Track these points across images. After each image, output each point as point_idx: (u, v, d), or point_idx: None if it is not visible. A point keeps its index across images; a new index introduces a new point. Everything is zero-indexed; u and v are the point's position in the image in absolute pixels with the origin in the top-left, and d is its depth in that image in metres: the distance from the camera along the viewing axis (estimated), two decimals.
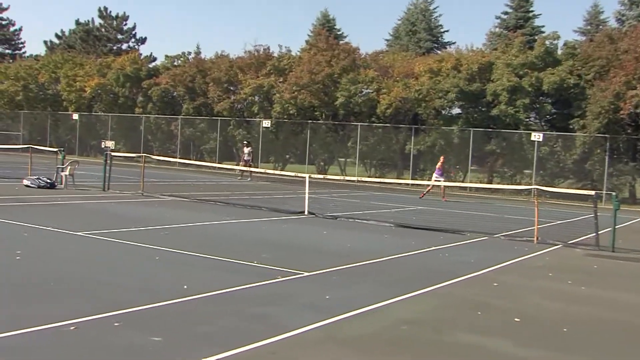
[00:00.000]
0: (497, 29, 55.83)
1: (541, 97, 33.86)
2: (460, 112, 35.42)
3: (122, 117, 45.81)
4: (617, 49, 31.21)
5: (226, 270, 9.28)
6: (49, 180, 20.08)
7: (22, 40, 75.04)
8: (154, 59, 60.78)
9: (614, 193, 14.81)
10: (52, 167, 22.47)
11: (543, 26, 54.05)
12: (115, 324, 6.22)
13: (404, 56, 43.38)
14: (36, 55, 64.77)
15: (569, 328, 7.24)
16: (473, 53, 36.45)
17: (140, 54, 55.14)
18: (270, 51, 42.03)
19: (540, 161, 32.13)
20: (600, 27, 49.90)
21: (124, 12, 72.20)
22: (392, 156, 37.44)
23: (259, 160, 39.14)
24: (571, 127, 31.77)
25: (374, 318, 7.18)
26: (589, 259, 12.57)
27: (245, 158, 32.01)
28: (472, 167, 35.61)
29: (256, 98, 40.54)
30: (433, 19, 64.55)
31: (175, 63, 46.87)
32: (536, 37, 41.65)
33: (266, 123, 38.59)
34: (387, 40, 67.53)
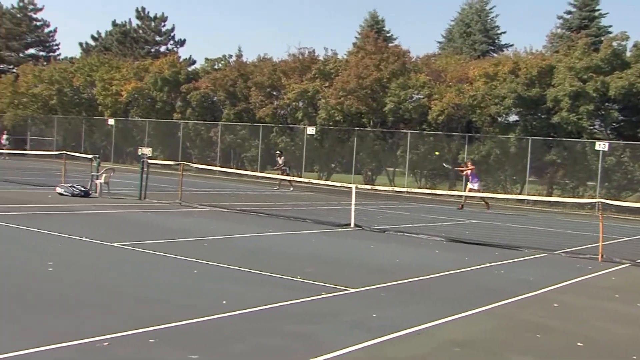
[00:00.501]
0: (559, 30, 55.26)
1: (607, 104, 33.24)
2: (517, 119, 35.01)
3: (159, 123, 46.38)
4: None
5: (267, 285, 9.31)
6: (83, 188, 20.43)
7: (56, 42, 76.70)
8: (194, 62, 61.64)
9: None
10: (87, 175, 22.87)
11: (610, 26, 53.44)
12: (151, 341, 6.28)
13: (458, 59, 43.15)
14: (71, 58, 66.12)
15: None
16: (532, 56, 36.03)
17: (179, 57, 55.85)
18: (315, 54, 42.18)
19: (606, 172, 31.56)
20: None
21: (163, 13, 73.30)
22: (444, 166, 37.24)
23: (302, 169, 39.26)
24: None
25: (424, 339, 7.12)
26: None
27: (282, 167, 32.03)
28: (530, 179, 35.16)
29: (300, 104, 40.67)
30: (489, 20, 64.16)
31: (216, 66, 47.36)
32: (602, 38, 41.07)
33: (311, 130, 38.69)
34: (439, 42, 67.41)
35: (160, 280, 9.32)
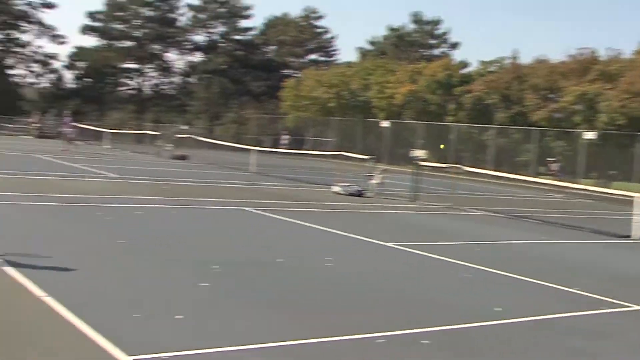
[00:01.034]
0: None
1: None
2: None
3: (431, 126, 46.75)
4: None
5: (542, 295, 8.97)
6: (358, 188, 21.15)
7: (336, 48, 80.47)
8: (466, 65, 61.37)
9: None
10: (361, 175, 23.65)
11: None
12: (423, 342, 6.31)
13: None
14: (349, 62, 68.97)
15: None
16: None
17: (453, 60, 55.92)
18: (597, 54, 40.03)
19: None
20: None
21: (438, 17, 73.86)
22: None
23: (579, 175, 37.41)
24: None
25: None
26: None
27: (556, 173, 30.78)
28: None
29: (578, 107, 38.80)
30: None
31: (490, 69, 46.75)
32: None
33: (590, 134, 36.72)
34: None
35: (433, 282, 9.36)
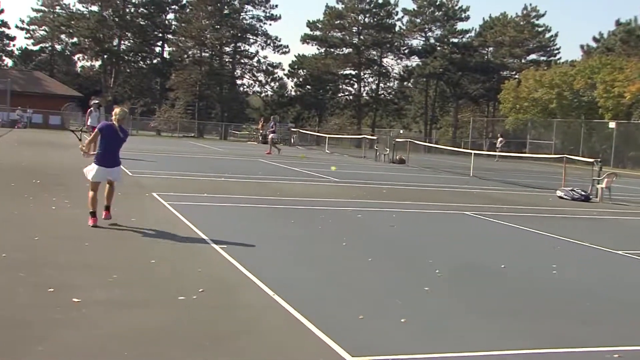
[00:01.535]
0: None
1: None
2: None
3: None
4: None
5: None
6: (583, 193, 20.22)
7: (557, 46, 77.55)
8: None
9: None
10: (586, 179, 22.59)
11: None
12: None
13: None
14: (571, 61, 66.22)
15: None
16: None
17: None
18: None
19: None
20: None
21: None
22: None
23: None
24: None
25: None
26: None
27: None
28: None
29: None
30: None
31: None
32: None
33: None
34: None
35: None
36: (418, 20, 79.01)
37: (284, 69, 79.19)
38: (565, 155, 25.32)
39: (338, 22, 77.70)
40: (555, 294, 8.12)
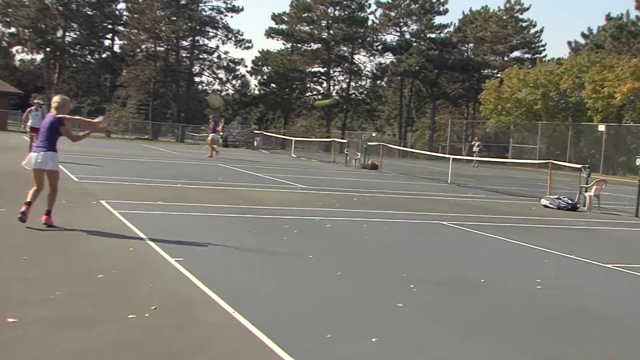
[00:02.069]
0: None
1: None
2: None
3: None
4: None
5: None
6: (570, 201, 20.45)
7: (542, 43, 78.52)
8: None
9: None
10: (573, 186, 22.84)
11: None
12: None
13: None
14: (558, 59, 67.00)
15: None
16: None
17: None
18: None
19: None
20: None
21: None
22: None
23: None
24: None
25: None
26: None
27: None
28: None
29: None
30: None
31: None
32: None
33: None
34: None
35: None
36: (392, 14, 79.44)
37: (246, 66, 79.36)
38: (550, 161, 25.56)
39: (306, 15, 77.80)
40: (540, 311, 8.18)
